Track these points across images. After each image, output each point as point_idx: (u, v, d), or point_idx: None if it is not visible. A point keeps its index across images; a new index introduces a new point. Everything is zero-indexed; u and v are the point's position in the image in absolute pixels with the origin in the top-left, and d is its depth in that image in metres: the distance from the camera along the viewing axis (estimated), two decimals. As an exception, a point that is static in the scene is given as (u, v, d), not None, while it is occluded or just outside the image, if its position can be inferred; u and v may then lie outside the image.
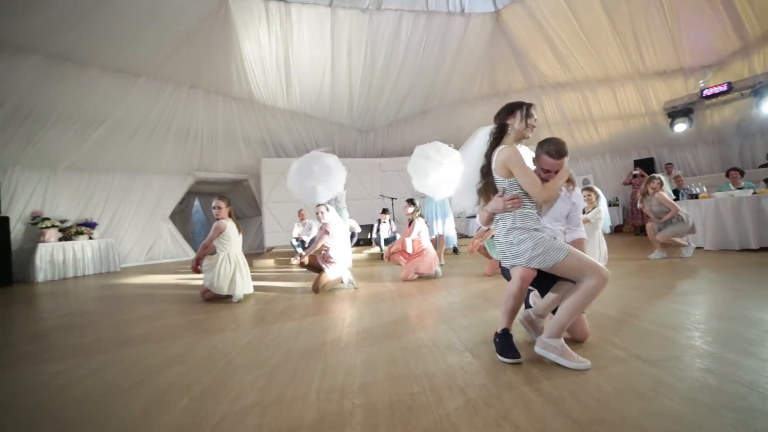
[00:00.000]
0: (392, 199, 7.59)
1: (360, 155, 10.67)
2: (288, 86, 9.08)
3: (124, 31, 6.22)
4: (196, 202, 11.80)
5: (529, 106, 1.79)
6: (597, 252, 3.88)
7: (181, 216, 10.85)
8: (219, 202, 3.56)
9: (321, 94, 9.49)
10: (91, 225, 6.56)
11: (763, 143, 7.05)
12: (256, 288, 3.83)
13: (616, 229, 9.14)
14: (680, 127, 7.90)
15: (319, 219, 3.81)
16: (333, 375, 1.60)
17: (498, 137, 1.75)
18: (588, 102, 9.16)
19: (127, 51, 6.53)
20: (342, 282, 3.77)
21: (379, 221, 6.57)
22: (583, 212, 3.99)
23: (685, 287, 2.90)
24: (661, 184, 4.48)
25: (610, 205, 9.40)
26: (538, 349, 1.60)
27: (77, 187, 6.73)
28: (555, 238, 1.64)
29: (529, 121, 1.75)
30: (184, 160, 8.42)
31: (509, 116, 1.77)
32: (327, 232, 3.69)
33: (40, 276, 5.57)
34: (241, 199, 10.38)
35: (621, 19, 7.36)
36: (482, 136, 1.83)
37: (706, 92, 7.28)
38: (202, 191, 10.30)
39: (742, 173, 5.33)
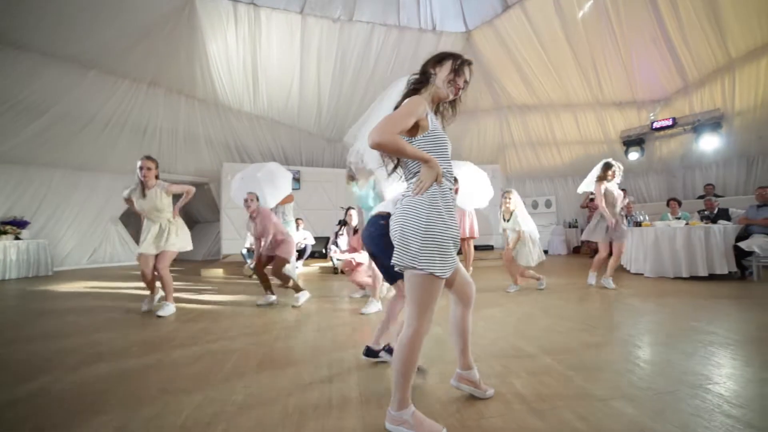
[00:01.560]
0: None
1: (328, 165, 10.52)
2: (255, 90, 8.87)
3: (75, 17, 5.86)
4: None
5: (465, 61, 1.43)
6: (530, 258, 3.92)
7: (135, 218, 10.29)
8: (148, 162, 3.19)
9: (289, 100, 9.33)
10: (21, 224, 6.05)
11: (702, 176, 7.49)
12: (187, 300, 3.58)
13: (574, 251, 9.40)
14: (633, 155, 8.28)
15: (248, 209, 3.65)
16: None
17: (416, 87, 1.40)
18: (552, 125, 9.47)
19: (78, 40, 6.15)
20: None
21: (336, 234, 6.41)
22: (504, 219, 4.00)
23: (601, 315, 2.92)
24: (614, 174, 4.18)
25: (569, 226, 9.71)
26: (387, 425, 1.32)
27: (6, 181, 6.21)
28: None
29: (457, 79, 1.39)
30: (138, 154, 7.98)
31: (436, 65, 1.41)
32: (268, 218, 3.58)
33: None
34: (201, 203, 9.96)
35: (582, 50, 7.70)
36: (401, 87, 1.47)
37: (655, 125, 7.68)
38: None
39: (680, 203, 5.59)
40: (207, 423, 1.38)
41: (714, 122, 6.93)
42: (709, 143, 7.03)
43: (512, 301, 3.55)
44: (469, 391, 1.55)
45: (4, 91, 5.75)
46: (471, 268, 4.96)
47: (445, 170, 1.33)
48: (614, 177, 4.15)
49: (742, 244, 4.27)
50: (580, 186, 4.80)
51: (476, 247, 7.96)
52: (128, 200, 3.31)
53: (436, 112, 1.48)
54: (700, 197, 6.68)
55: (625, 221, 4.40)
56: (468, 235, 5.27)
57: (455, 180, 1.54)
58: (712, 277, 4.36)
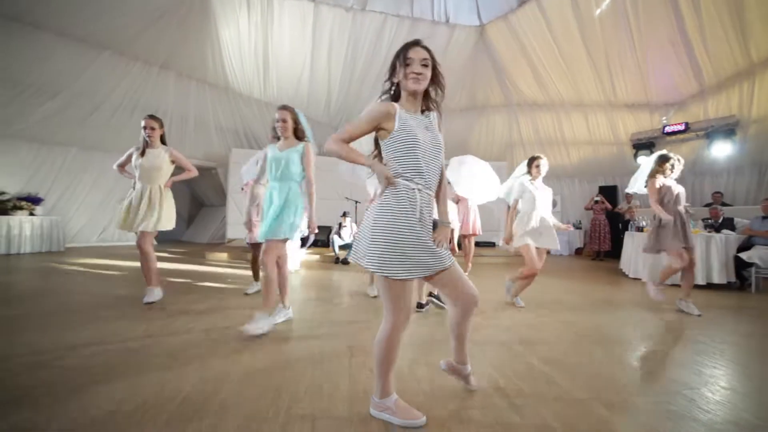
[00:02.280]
0: (356, 202, 7.53)
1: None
2: (266, 77, 8.90)
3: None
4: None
5: (406, 46, 1.37)
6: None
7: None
8: (151, 121, 2.98)
9: (299, 88, 9.35)
10: (35, 200, 6.23)
11: (711, 183, 7.38)
12: (178, 284, 3.70)
13: (576, 252, 9.39)
14: (642, 159, 8.17)
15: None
16: (196, 395, 1.54)
17: (387, 94, 1.45)
18: (562, 125, 9.37)
19: (93, 20, 6.22)
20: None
21: (340, 225, 6.51)
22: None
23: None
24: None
25: (574, 227, 9.66)
26: (372, 411, 1.41)
27: (22, 158, 6.39)
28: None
29: (408, 68, 1.34)
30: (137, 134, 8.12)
31: (392, 74, 1.41)
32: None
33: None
34: (208, 187, 10.10)
35: (597, 50, 7.57)
36: None
37: (667, 129, 7.56)
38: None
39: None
40: (207, 396, 1.49)
41: (728, 129, 6.80)
42: (722, 150, 6.92)
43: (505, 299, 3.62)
44: (456, 378, 1.65)
45: (20, 70, 5.87)
46: (470, 265, 4.96)
47: (413, 170, 1.32)
48: (673, 171, 3.35)
49: (743, 255, 4.27)
50: (630, 185, 3.92)
51: (477, 244, 8.03)
52: (122, 166, 3.08)
53: (428, 108, 1.46)
54: (707, 205, 6.61)
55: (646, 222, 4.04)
56: (470, 232, 5.26)
57: (440, 178, 1.46)
58: (710, 286, 4.37)
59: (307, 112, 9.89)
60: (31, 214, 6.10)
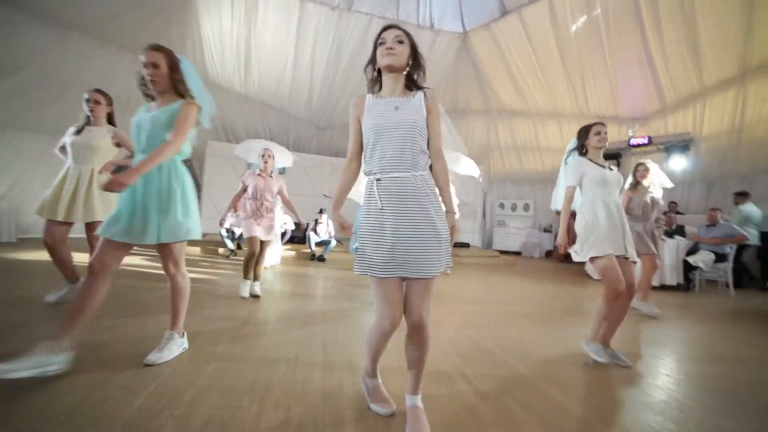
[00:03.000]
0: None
1: (315, 151, 10.49)
2: (247, 71, 8.73)
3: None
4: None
5: (382, 30, 1.35)
6: None
7: (113, 189, 10.02)
8: (96, 94, 2.59)
9: (281, 84, 9.23)
10: (-15, 187, 5.83)
11: (669, 193, 7.93)
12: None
13: (547, 254, 9.82)
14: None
15: (265, 164, 3.24)
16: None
17: (372, 82, 1.45)
18: (537, 132, 9.77)
19: (68, 1, 5.92)
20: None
21: (316, 221, 6.51)
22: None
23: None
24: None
25: (544, 230, 10.10)
26: (360, 381, 1.55)
27: (-26, 142, 5.97)
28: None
29: (380, 47, 1.33)
30: (121, 129, 7.77)
31: (373, 59, 1.39)
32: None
33: None
34: (183, 180, 9.78)
35: (572, 63, 7.96)
36: None
37: (632, 141, 8.07)
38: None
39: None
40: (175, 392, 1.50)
41: (684, 144, 7.35)
42: (678, 164, 7.47)
43: (481, 300, 3.78)
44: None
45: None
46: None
47: (371, 159, 1.29)
48: (643, 178, 3.32)
49: (690, 259, 4.65)
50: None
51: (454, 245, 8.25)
52: (63, 148, 2.70)
53: (411, 89, 1.38)
54: (664, 213, 7.11)
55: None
56: None
57: (433, 161, 1.35)
58: (662, 287, 4.74)
59: (289, 108, 9.97)
60: (-17, 202, 5.70)
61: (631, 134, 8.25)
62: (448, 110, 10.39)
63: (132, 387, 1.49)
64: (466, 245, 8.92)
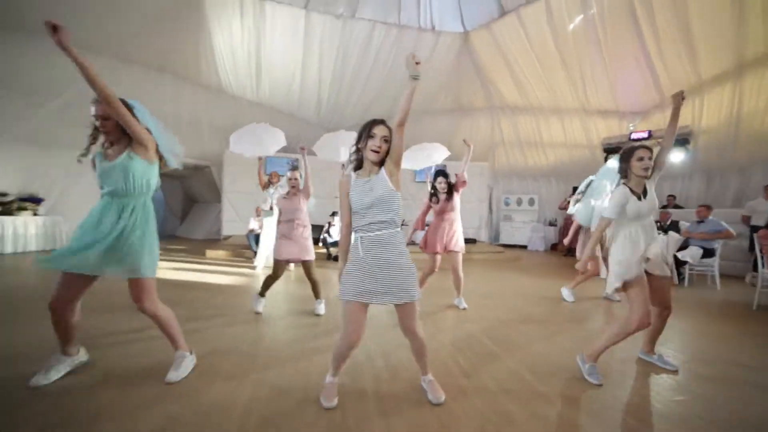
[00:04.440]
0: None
1: (326, 154, 10.93)
2: (258, 79, 9.19)
3: (90, 5, 6.15)
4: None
5: (370, 124, 1.68)
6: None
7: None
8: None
9: (290, 90, 9.67)
10: (36, 200, 6.49)
11: (669, 186, 8.15)
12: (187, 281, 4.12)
13: (552, 248, 10.12)
14: (612, 162, 8.87)
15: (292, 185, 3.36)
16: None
17: (357, 161, 1.75)
18: (540, 127, 9.99)
19: (91, 27, 6.41)
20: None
21: (329, 224, 6.99)
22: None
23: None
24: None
25: (549, 224, 10.39)
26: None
27: (23, 160, 6.60)
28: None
29: (370, 142, 1.65)
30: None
31: (360, 141, 1.71)
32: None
33: (-26, 250, 5.54)
34: (202, 184, 10.40)
35: (571, 60, 8.15)
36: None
37: (633, 135, 8.24)
38: (163, 173, 10.20)
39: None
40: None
41: (683, 138, 7.51)
42: (677, 157, 7.64)
43: (476, 295, 4.21)
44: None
45: (21, 75, 6.07)
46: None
47: (357, 221, 1.71)
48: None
49: (679, 254, 4.96)
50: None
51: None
52: None
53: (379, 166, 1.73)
54: (663, 207, 7.35)
55: None
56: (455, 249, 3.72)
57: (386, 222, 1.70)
58: (653, 281, 5.07)
59: (299, 114, 10.42)
60: (35, 214, 6.37)
61: (631, 128, 8.42)
62: (452, 109, 10.70)
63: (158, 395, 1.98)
64: (472, 241, 9.30)
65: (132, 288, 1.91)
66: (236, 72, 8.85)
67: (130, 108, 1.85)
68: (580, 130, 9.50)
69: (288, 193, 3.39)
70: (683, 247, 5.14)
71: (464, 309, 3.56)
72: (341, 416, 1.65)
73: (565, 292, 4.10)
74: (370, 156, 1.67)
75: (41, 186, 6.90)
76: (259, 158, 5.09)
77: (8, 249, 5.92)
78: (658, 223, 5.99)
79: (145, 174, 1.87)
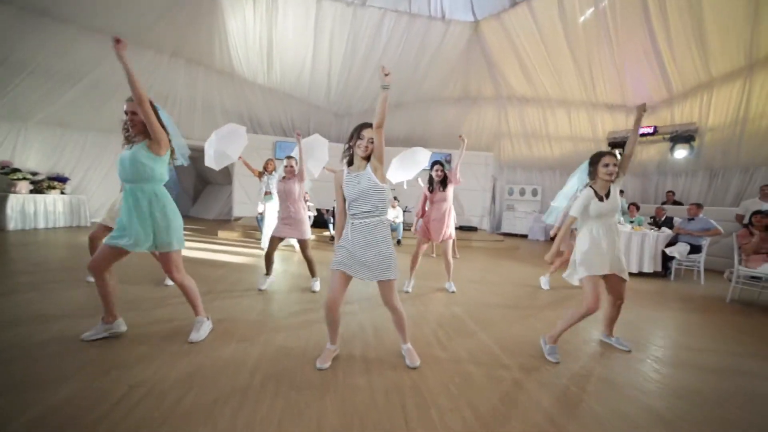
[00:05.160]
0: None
1: (334, 139, 11.13)
2: (269, 65, 9.37)
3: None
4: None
5: (359, 127, 1.98)
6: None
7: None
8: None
9: (301, 75, 9.84)
10: (63, 179, 6.95)
11: (672, 183, 8.21)
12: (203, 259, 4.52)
13: (552, 238, 10.30)
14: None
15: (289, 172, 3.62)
16: (241, 336, 2.42)
17: (348, 157, 2.05)
18: (546, 119, 10.01)
19: (109, 13, 6.69)
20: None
21: (334, 208, 7.31)
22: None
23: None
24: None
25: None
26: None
27: (50, 141, 7.04)
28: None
29: (359, 141, 1.95)
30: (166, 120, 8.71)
31: (350, 140, 2.02)
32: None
33: (11, 224, 6.06)
34: (215, 167, 10.78)
35: (580, 52, 8.11)
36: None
37: (639, 131, 8.26)
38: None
39: (638, 208, 6.38)
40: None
41: (689, 135, 7.54)
42: (681, 153, 7.69)
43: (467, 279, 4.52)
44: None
45: (45, 61, 6.41)
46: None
47: (349, 208, 2.02)
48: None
49: (667, 250, 5.17)
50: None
51: (462, 228, 8.90)
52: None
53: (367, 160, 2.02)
54: (662, 203, 7.47)
55: None
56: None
57: (376, 209, 2.01)
58: (640, 274, 5.31)
59: (309, 98, 10.62)
60: (62, 192, 6.84)
61: (638, 123, 8.41)
62: (460, 97, 10.75)
63: (182, 351, 2.37)
64: (473, 229, 9.56)
65: (162, 261, 2.29)
66: (248, 57, 9.04)
67: (155, 110, 2.18)
68: (587, 123, 9.50)
69: (284, 178, 3.67)
70: (672, 243, 5.33)
71: (453, 292, 3.89)
72: (332, 373, 2.01)
73: (543, 280, 4.39)
74: (358, 152, 1.98)
75: (66, 166, 7.36)
76: (240, 158, 5.23)
77: (41, 224, 6.44)
78: (653, 219, 6.17)
79: (149, 163, 2.16)
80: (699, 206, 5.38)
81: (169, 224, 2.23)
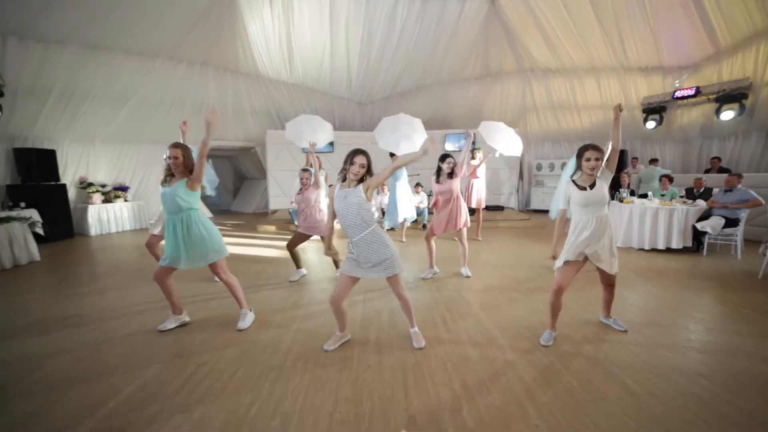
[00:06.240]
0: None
1: (358, 128, 11.47)
2: (291, 62, 9.74)
3: (143, 17, 7.03)
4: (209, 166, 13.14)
5: (351, 154, 2.29)
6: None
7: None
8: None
9: (322, 69, 10.11)
10: (124, 189, 7.98)
11: (719, 147, 7.57)
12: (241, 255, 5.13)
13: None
14: (650, 124, 8.39)
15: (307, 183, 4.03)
16: (277, 324, 2.94)
17: (342, 177, 2.38)
18: (574, 89, 9.53)
19: (146, 35, 7.37)
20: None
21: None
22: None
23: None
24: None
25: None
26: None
27: (112, 156, 8.06)
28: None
29: (351, 167, 2.27)
30: (199, 131, 9.45)
31: (345, 163, 2.33)
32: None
33: (93, 231, 7.21)
34: (249, 164, 11.59)
35: (606, 14, 7.57)
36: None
37: (677, 93, 7.67)
38: (214, 155, 11.56)
39: (671, 180, 6.09)
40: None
41: (740, 92, 6.82)
42: (729, 115, 7.01)
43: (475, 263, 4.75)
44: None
45: (102, 87, 7.27)
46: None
47: (345, 230, 2.34)
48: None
49: (698, 225, 4.99)
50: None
51: (488, 208, 8.94)
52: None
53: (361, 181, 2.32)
54: (707, 171, 6.99)
55: None
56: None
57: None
58: (668, 250, 5.20)
59: (331, 90, 10.93)
60: (125, 200, 7.87)
61: (677, 85, 7.81)
62: (481, 75, 10.49)
63: (232, 337, 2.89)
64: (500, 208, 9.56)
65: (211, 268, 2.84)
66: (270, 57, 9.46)
67: (190, 151, 2.74)
68: (618, 89, 8.92)
69: (300, 190, 4.13)
70: (705, 217, 5.13)
71: (467, 277, 4.17)
72: (349, 352, 2.44)
73: (556, 263, 4.39)
74: (350, 176, 2.31)
75: (125, 176, 8.39)
76: (311, 144, 5.53)
77: (113, 229, 7.56)
78: (691, 191, 5.86)
79: (186, 197, 2.64)
80: (739, 176, 5.05)
81: (204, 243, 2.71)
